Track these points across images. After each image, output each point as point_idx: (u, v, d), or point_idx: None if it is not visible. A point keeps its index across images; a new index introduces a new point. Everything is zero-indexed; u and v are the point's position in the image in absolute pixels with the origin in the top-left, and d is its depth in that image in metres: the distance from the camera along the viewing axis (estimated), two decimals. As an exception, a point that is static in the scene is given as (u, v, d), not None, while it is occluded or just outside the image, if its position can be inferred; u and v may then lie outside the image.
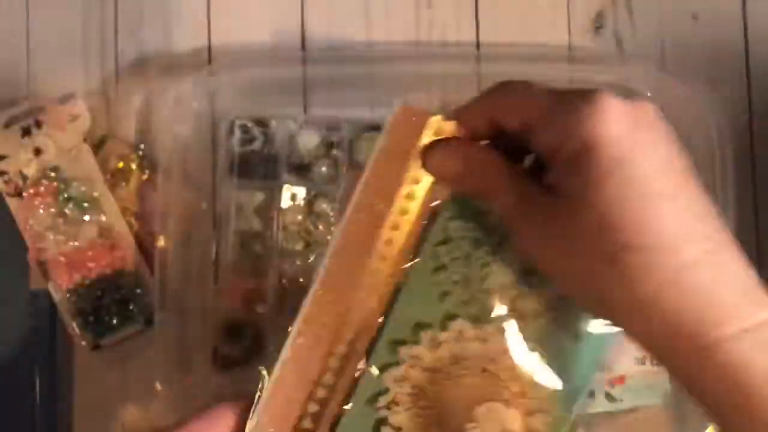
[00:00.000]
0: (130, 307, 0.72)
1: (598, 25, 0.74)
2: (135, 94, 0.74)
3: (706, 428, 0.64)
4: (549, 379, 0.46)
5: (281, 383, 0.44)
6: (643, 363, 0.69)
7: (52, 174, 0.72)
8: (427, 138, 0.46)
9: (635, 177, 0.39)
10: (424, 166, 0.46)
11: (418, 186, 0.46)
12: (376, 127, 0.71)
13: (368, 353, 0.45)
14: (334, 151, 0.71)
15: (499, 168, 0.44)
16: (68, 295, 0.71)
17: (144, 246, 0.72)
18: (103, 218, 0.71)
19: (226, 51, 0.73)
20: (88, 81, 0.74)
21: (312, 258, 0.71)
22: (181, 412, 0.67)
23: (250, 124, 0.71)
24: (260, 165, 0.71)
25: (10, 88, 0.74)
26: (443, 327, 0.45)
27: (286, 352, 0.44)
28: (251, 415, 0.43)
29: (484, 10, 0.74)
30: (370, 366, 0.45)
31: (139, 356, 0.72)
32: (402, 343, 0.45)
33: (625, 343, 0.66)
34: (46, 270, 0.72)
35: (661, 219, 0.39)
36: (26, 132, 0.72)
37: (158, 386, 0.67)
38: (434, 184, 0.46)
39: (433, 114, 0.46)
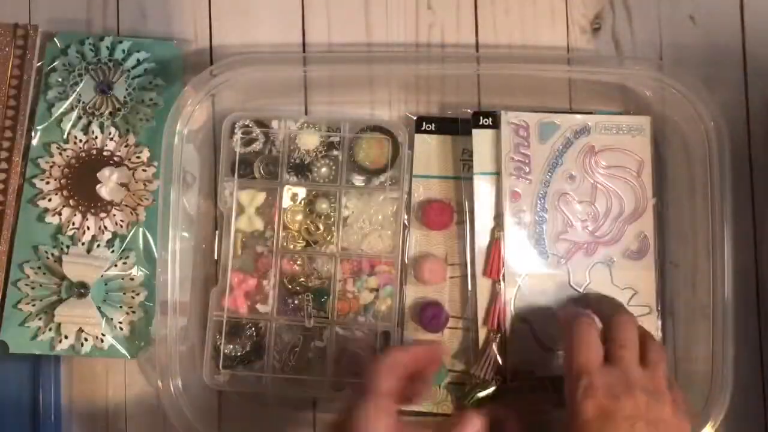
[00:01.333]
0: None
1: (596, 26, 0.74)
2: (137, 95, 0.74)
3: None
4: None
5: None
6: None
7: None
8: None
9: None
10: None
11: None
12: (376, 128, 0.71)
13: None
14: (334, 151, 0.72)
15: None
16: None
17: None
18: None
19: (227, 52, 0.74)
20: (91, 82, 0.74)
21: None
22: (182, 411, 0.67)
23: (251, 125, 0.72)
24: (261, 165, 0.71)
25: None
26: None
27: None
28: None
29: (483, 12, 0.74)
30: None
31: (140, 355, 0.72)
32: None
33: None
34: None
35: None
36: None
37: (160, 385, 0.68)
38: None
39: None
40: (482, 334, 0.70)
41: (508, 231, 0.69)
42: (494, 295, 0.70)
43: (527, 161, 0.70)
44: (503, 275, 0.69)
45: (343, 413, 0.59)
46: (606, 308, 0.66)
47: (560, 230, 0.70)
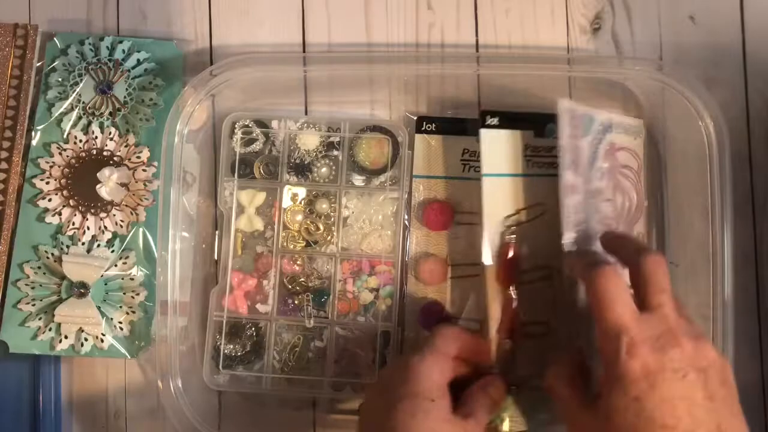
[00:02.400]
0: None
1: (596, 26, 0.74)
2: (137, 95, 0.74)
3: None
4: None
5: None
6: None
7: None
8: None
9: (646, 412, 0.52)
10: None
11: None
12: (376, 127, 0.71)
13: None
14: (334, 151, 0.72)
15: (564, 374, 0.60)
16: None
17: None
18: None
19: (227, 52, 0.74)
20: (91, 82, 0.74)
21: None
22: (182, 411, 0.67)
23: (251, 125, 0.72)
24: (261, 165, 0.71)
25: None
26: None
27: None
28: None
29: (483, 12, 0.74)
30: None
31: (140, 355, 0.72)
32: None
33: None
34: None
35: None
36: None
37: (160, 385, 0.68)
38: None
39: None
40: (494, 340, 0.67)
41: (568, 228, 0.65)
42: (506, 302, 0.68)
43: (579, 154, 0.66)
44: (516, 284, 0.68)
45: (399, 360, 0.63)
46: (629, 248, 0.60)
47: (598, 229, 0.67)
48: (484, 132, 0.69)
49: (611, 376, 0.54)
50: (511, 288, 0.68)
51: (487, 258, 0.68)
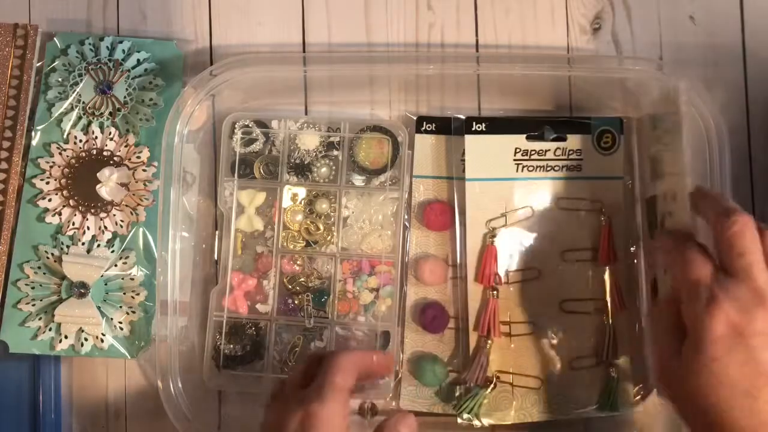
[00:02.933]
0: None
1: (596, 26, 0.74)
2: (137, 95, 0.74)
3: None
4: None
5: None
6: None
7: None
8: None
9: (725, 376, 0.51)
10: None
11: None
12: (376, 127, 0.71)
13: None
14: (334, 151, 0.72)
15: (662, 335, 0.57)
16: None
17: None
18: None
19: (227, 52, 0.74)
20: (91, 82, 0.74)
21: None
22: (182, 411, 0.67)
23: (251, 125, 0.72)
24: (261, 165, 0.71)
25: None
26: None
27: None
28: None
29: (483, 12, 0.74)
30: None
31: (140, 355, 0.72)
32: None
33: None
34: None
35: (743, 415, 0.51)
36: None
37: (160, 385, 0.67)
38: None
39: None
40: (473, 339, 0.70)
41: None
42: (485, 301, 0.70)
43: None
44: (496, 284, 0.70)
45: (295, 404, 0.56)
46: (714, 210, 0.57)
47: None
48: (469, 138, 0.70)
49: (692, 333, 0.53)
50: (490, 289, 0.69)
51: (468, 259, 0.70)
